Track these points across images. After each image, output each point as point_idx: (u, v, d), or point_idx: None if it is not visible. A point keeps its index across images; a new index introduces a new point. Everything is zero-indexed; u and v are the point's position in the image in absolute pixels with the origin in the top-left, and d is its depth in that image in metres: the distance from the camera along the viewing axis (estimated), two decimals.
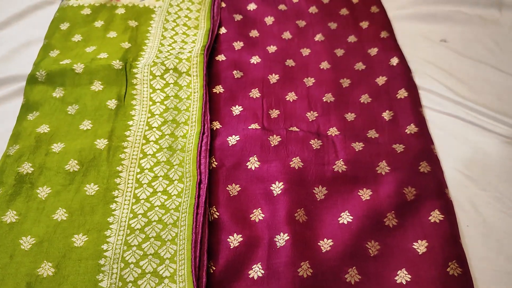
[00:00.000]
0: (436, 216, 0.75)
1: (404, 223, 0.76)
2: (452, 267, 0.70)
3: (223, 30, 1.07)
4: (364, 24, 1.10)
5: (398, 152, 0.85)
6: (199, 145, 0.84)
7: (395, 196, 0.78)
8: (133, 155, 0.84)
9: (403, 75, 0.98)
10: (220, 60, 1.01)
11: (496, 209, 0.78)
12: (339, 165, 0.83)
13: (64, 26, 1.06)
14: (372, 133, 0.89)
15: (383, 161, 0.83)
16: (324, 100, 0.94)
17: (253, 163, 0.84)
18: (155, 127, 0.88)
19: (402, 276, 0.70)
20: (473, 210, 0.78)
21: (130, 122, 0.88)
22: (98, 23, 1.06)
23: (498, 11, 1.12)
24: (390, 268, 0.71)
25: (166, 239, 0.73)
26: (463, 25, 1.09)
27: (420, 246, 0.73)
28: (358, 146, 0.86)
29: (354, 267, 0.71)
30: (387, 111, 0.92)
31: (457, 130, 0.89)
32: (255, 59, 1.01)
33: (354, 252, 0.73)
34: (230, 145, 0.86)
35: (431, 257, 0.71)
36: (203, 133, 0.86)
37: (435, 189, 0.79)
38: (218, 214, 0.77)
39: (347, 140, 0.87)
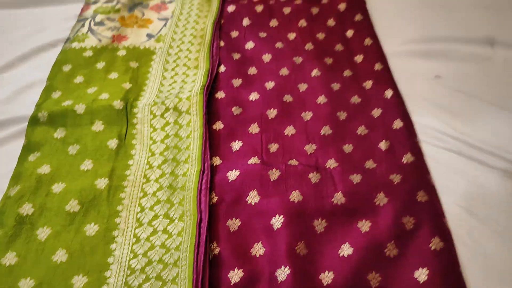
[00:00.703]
0: (436, 243, 0.76)
1: (404, 252, 0.76)
2: None
3: (222, 68, 1.09)
4: (359, 58, 1.12)
5: (395, 183, 0.86)
6: (199, 183, 0.84)
7: (394, 226, 0.79)
8: (133, 194, 0.84)
9: (397, 106, 0.99)
10: (220, 97, 1.02)
11: (497, 242, 0.78)
12: (338, 198, 0.83)
13: (67, 68, 1.08)
14: (370, 164, 0.89)
15: (381, 192, 0.84)
16: (322, 133, 0.95)
17: (253, 197, 0.84)
18: (155, 165, 0.88)
19: None
20: (474, 244, 0.78)
21: (131, 161, 0.89)
22: (100, 65, 1.09)
23: (491, 48, 1.14)
24: None
25: (167, 280, 0.72)
26: (457, 62, 1.11)
27: (421, 275, 0.72)
28: (356, 178, 0.86)
29: None
30: (383, 140, 0.93)
31: (455, 164, 0.90)
32: (253, 96, 1.03)
33: (355, 285, 0.72)
34: (230, 180, 0.86)
35: (432, 285, 0.71)
36: (203, 171, 0.86)
37: (434, 217, 0.80)
38: (218, 249, 0.77)
39: (345, 172, 0.88)
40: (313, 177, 0.87)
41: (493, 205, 0.83)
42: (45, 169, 0.88)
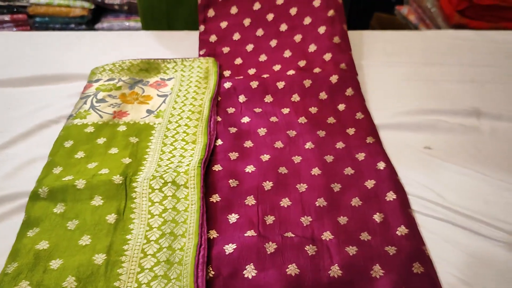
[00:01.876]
0: None
1: None
2: None
3: (219, 142, 1.12)
4: (351, 131, 1.16)
5: (391, 254, 0.86)
6: (196, 258, 0.84)
7: None
8: (130, 269, 0.84)
9: (390, 178, 1.02)
10: (217, 170, 1.05)
11: None
12: (335, 270, 0.83)
13: (68, 144, 1.10)
14: (365, 236, 0.90)
15: (377, 264, 0.84)
16: (317, 205, 0.97)
17: (249, 271, 0.84)
18: (153, 240, 0.88)
19: None
20: None
21: (129, 236, 0.89)
22: (101, 140, 1.12)
23: (477, 119, 1.20)
24: None
25: None
26: (446, 133, 1.16)
27: None
28: (352, 250, 0.87)
29: None
30: (377, 213, 0.95)
31: (448, 234, 0.91)
32: (249, 168, 1.06)
33: None
34: (227, 253, 0.87)
35: None
36: (200, 245, 0.87)
37: None
38: None
39: (341, 244, 0.88)
40: (310, 249, 0.87)
41: (488, 274, 0.83)
42: (43, 245, 0.87)
